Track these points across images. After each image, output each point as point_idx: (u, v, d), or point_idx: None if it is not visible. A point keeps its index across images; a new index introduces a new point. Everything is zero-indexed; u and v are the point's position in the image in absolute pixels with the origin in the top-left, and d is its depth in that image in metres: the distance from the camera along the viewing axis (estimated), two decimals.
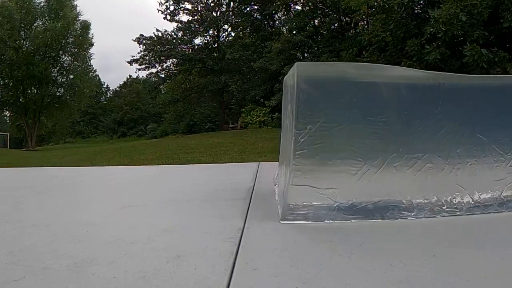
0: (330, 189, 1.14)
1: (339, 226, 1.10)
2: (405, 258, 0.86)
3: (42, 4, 20.63)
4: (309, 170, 1.12)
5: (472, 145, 1.22)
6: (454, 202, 1.20)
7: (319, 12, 17.51)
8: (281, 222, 1.14)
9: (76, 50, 21.71)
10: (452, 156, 1.20)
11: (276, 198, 1.36)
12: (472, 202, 1.21)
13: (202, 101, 24.93)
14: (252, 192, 1.59)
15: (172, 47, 21.91)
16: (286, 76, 1.25)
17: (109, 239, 1.03)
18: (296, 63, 1.15)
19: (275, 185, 1.48)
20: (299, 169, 1.12)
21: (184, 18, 22.72)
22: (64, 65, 21.84)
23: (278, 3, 18.04)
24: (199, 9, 22.37)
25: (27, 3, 19.72)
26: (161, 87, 28.01)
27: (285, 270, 0.78)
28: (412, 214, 1.17)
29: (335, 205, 1.14)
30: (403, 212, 1.17)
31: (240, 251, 0.89)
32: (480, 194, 1.22)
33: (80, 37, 21.43)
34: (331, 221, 1.14)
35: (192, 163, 5.12)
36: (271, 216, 1.20)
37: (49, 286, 0.76)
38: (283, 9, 19.40)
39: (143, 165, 5.15)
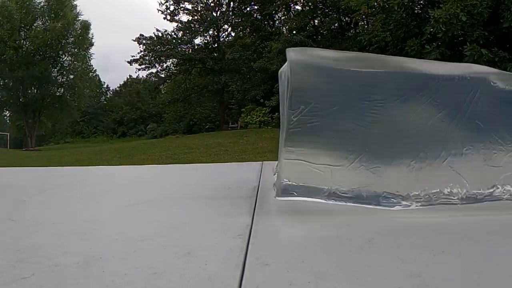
0: (324, 165, 1.14)
1: (346, 223, 1.10)
2: (414, 253, 0.86)
3: (42, 4, 20.67)
4: (302, 146, 1.14)
5: (470, 131, 1.22)
6: (451, 189, 1.20)
7: (319, 12, 17.55)
8: (276, 198, 1.16)
9: (76, 50, 21.76)
10: (449, 142, 1.21)
11: (275, 175, 1.36)
12: (469, 190, 1.21)
13: (202, 101, 24.95)
14: (257, 191, 1.59)
15: (172, 47, 21.94)
16: (280, 70, 1.27)
17: (117, 237, 1.03)
18: (287, 49, 1.17)
19: (274, 174, 1.49)
20: (292, 145, 1.13)
21: (184, 18, 22.78)
22: (64, 65, 21.88)
23: (278, 3, 18.07)
24: (199, 9, 22.41)
25: (27, 3, 19.76)
26: (161, 87, 28.04)
27: (297, 266, 0.79)
28: (408, 201, 1.18)
29: (330, 183, 1.15)
30: (398, 199, 1.17)
31: (250, 247, 0.89)
32: (477, 183, 1.22)
33: (80, 37, 21.48)
34: (327, 201, 1.14)
35: (193, 163, 5.13)
36: (279, 213, 1.20)
37: (60, 283, 0.76)
38: (283, 9, 19.42)
39: (144, 165, 5.15)
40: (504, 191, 1.24)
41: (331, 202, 1.14)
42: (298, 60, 1.15)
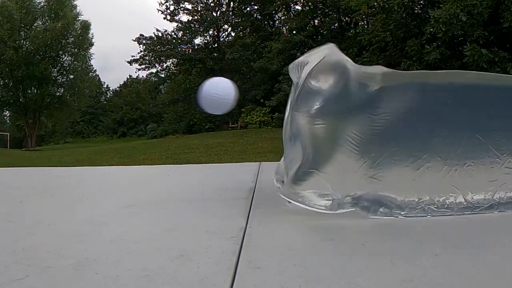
0: (328, 175, 1.16)
1: (340, 225, 1.10)
2: (407, 257, 0.86)
3: (42, 4, 20.67)
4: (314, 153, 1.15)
5: (471, 146, 1.22)
6: (447, 202, 1.21)
7: (319, 12, 17.53)
8: (290, 201, 1.19)
9: (76, 50, 21.76)
10: (451, 157, 1.21)
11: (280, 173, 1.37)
12: (465, 203, 1.22)
13: None
14: (253, 192, 1.59)
15: (172, 47, 21.92)
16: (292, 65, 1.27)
17: (112, 238, 1.04)
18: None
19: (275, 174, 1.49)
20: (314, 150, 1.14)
21: (184, 18, 22.77)
22: (64, 65, 21.89)
23: (278, 3, 18.05)
24: (199, 9, 22.40)
25: (27, 3, 19.77)
26: (161, 87, 28.03)
27: (288, 269, 0.79)
28: (403, 212, 1.18)
29: (331, 193, 1.16)
30: (395, 210, 1.18)
31: (243, 250, 0.90)
32: (474, 195, 1.22)
33: (80, 37, 21.49)
34: (328, 211, 1.16)
35: (193, 163, 5.13)
36: (273, 215, 1.21)
37: (53, 285, 0.76)
38: (283, 9, 19.41)
39: (144, 165, 5.16)
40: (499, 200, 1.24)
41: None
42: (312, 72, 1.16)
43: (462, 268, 0.80)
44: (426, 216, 1.18)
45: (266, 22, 20.95)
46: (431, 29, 8.41)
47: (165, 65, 22.93)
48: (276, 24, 21.27)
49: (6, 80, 20.51)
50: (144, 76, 26.47)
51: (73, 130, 34.69)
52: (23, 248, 0.97)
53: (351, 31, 16.39)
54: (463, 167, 1.21)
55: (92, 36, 22.45)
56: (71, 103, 22.71)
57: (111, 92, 41.65)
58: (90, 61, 23.16)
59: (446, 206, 1.20)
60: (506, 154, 1.24)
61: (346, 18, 16.23)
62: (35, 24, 20.50)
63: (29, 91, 21.15)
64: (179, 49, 22.11)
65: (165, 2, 21.75)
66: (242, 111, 19.25)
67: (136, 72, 46.99)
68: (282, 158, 1.38)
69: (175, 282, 0.74)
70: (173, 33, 22.22)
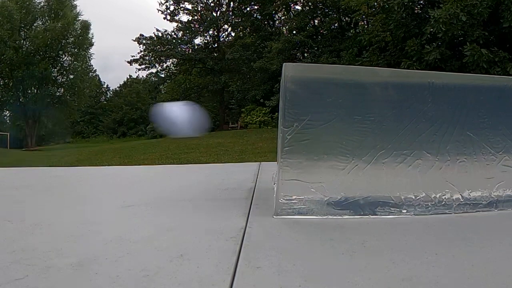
0: (319, 183, 1.16)
1: (340, 225, 1.10)
2: (407, 256, 0.86)
3: (42, 4, 20.68)
4: (297, 166, 1.15)
5: (462, 142, 1.22)
6: (444, 199, 1.21)
7: (319, 12, 17.53)
8: (274, 217, 1.17)
9: (76, 50, 21.77)
10: (442, 153, 1.21)
11: (274, 195, 1.38)
12: (462, 200, 1.22)
13: (202, 101, 24.95)
14: (253, 192, 1.59)
15: (172, 47, 21.92)
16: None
17: (111, 238, 1.03)
18: (284, 64, 1.18)
19: (274, 183, 1.50)
20: (288, 165, 1.15)
21: (184, 18, 22.82)
22: (64, 65, 21.91)
23: (278, 3, 18.06)
24: (199, 9, 22.40)
25: (27, 3, 19.78)
26: (161, 87, 28.03)
27: (288, 269, 0.79)
28: (402, 210, 1.18)
29: (325, 199, 1.16)
30: (392, 208, 1.18)
31: (243, 250, 0.89)
32: (470, 192, 1.23)
33: (80, 37, 21.51)
34: (323, 216, 1.15)
35: (192, 163, 5.13)
36: (273, 215, 1.20)
37: (52, 285, 0.76)
38: (283, 9, 19.41)
39: (144, 165, 5.16)
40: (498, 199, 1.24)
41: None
42: (293, 77, 1.15)
43: (461, 267, 0.80)
44: (425, 214, 1.18)
45: (266, 22, 20.94)
46: (431, 29, 8.42)
47: (165, 65, 22.95)
48: (276, 24, 21.27)
49: (6, 80, 20.53)
50: (144, 76, 26.51)
51: (73, 130, 34.66)
52: (23, 248, 0.97)
53: (351, 31, 16.38)
54: (456, 163, 1.22)
55: (92, 36, 22.50)
56: (71, 103, 22.74)
57: (111, 92, 41.63)
58: (90, 61, 23.21)
59: (443, 202, 1.20)
60: (502, 152, 1.24)
61: (346, 18, 16.22)
62: (35, 24, 20.53)
63: (29, 91, 21.16)
64: (179, 49, 22.11)
65: (165, 2, 21.77)
66: (242, 111, 19.26)
67: (136, 72, 47.05)
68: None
69: (174, 282, 0.74)
70: (173, 33, 22.23)
